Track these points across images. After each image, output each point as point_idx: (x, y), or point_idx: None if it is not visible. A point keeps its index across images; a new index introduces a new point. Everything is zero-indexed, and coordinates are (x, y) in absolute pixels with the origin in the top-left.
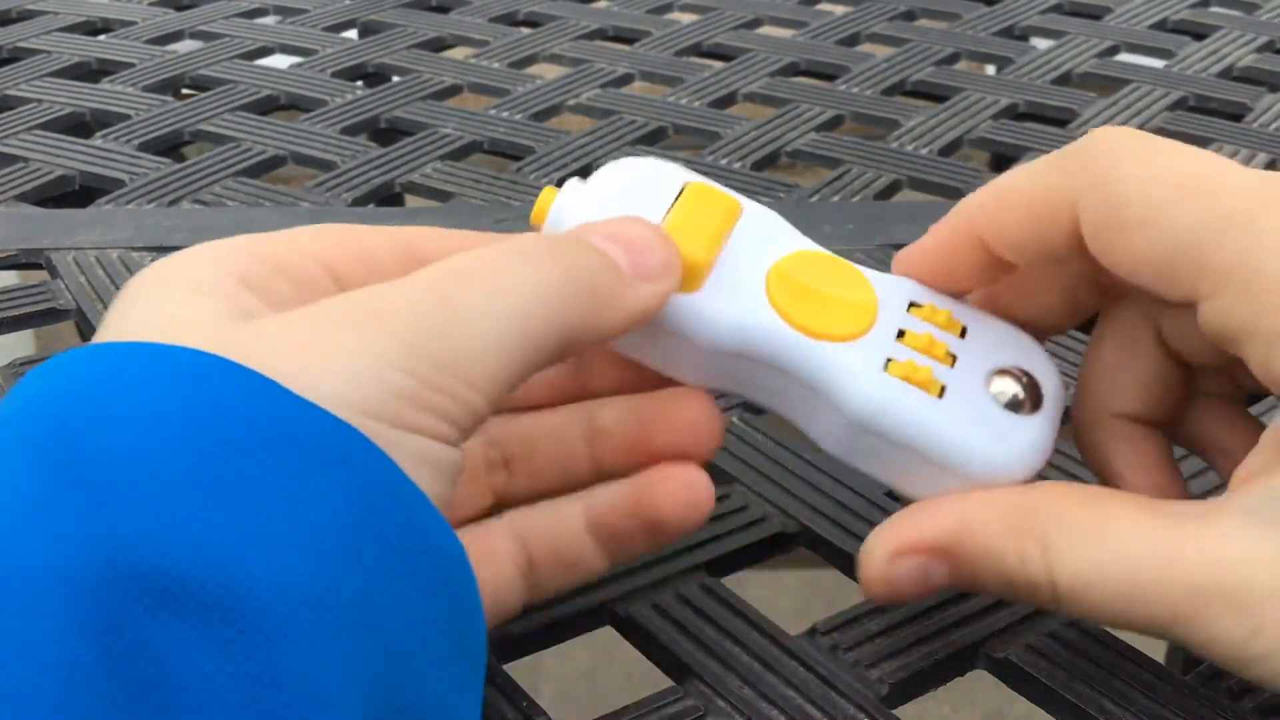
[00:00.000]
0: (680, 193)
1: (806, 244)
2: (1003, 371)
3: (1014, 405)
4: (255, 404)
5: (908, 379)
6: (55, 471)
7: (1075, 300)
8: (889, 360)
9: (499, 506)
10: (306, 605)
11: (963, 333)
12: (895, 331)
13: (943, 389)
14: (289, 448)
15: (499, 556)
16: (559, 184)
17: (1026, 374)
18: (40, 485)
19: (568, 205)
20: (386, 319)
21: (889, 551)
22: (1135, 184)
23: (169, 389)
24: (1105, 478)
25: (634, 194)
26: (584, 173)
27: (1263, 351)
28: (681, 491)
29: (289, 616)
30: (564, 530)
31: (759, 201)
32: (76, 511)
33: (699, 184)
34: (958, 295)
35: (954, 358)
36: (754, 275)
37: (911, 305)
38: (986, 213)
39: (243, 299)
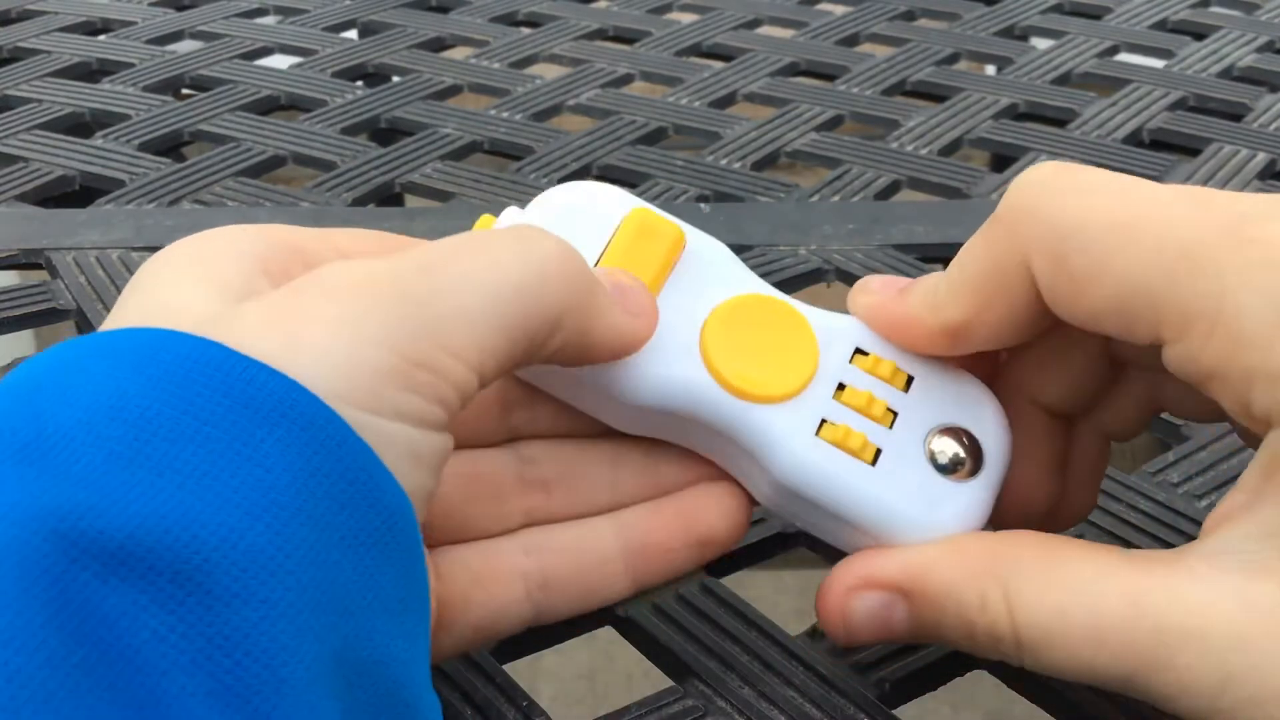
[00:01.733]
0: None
1: (750, 283)
2: (945, 430)
3: (952, 467)
4: (206, 371)
5: (840, 445)
6: (9, 451)
7: (1091, 373)
8: (823, 422)
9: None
10: (257, 565)
11: (908, 383)
12: (834, 385)
13: (877, 453)
14: (239, 411)
15: (509, 576)
16: (525, 205)
17: (968, 434)
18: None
19: None
20: (367, 290)
21: (847, 585)
22: (1077, 235)
23: (124, 366)
24: None
25: (575, 221)
26: (583, 174)
27: (1235, 392)
28: (729, 507)
29: (240, 577)
30: (591, 552)
31: (759, 201)
32: (23, 485)
33: (642, 210)
34: None
35: (894, 415)
36: (689, 325)
37: (856, 353)
38: (950, 313)
39: (255, 284)
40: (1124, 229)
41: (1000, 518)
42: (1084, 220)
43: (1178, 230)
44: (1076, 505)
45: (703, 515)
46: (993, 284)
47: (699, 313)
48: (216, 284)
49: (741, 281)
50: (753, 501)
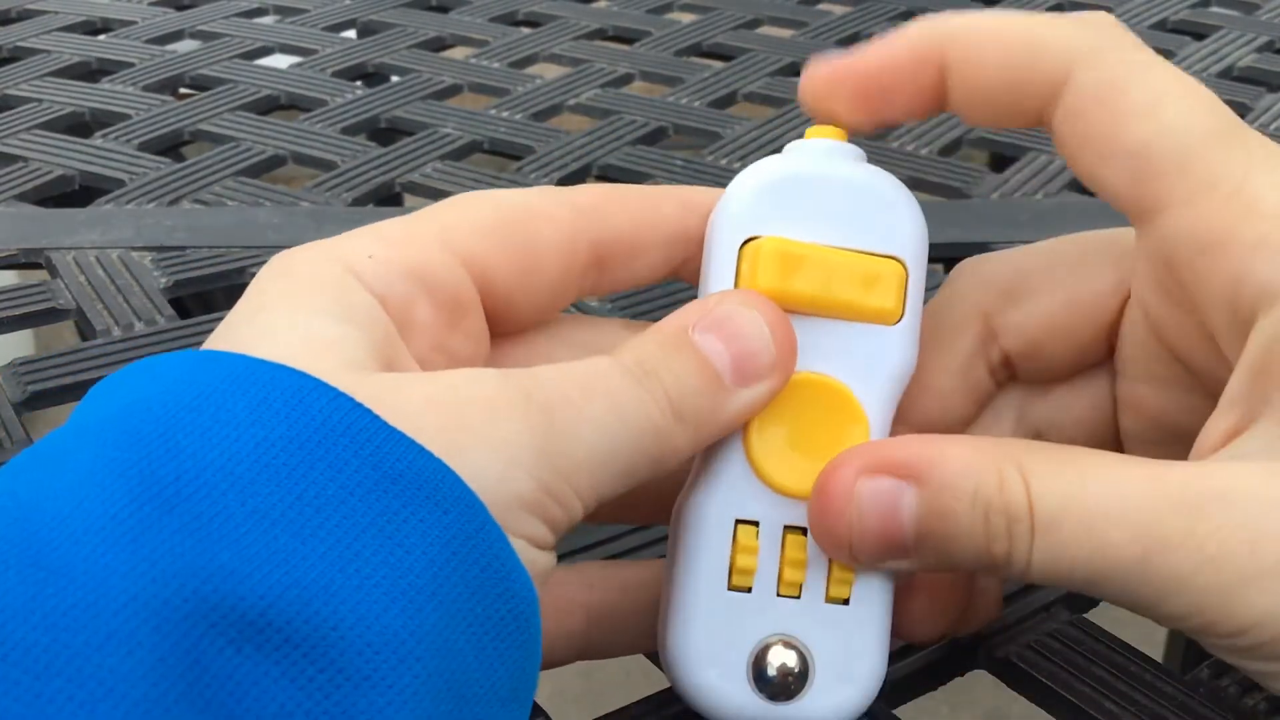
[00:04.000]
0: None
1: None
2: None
3: (780, 684)
4: (358, 437)
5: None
6: (145, 491)
7: (976, 382)
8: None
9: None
10: (390, 648)
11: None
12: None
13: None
14: (387, 485)
15: (572, 609)
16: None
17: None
18: (129, 505)
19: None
20: (520, 414)
21: (856, 467)
22: (1140, 70)
23: (271, 411)
24: None
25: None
26: (582, 174)
27: (1238, 259)
28: None
29: (373, 659)
30: (649, 591)
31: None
32: (166, 539)
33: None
34: (881, 122)
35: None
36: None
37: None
38: (964, 41)
39: (386, 336)
40: (1182, 86)
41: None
42: (1150, 61)
43: (1222, 110)
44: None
45: None
46: (1027, 54)
47: None
48: (356, 327)
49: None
50: None
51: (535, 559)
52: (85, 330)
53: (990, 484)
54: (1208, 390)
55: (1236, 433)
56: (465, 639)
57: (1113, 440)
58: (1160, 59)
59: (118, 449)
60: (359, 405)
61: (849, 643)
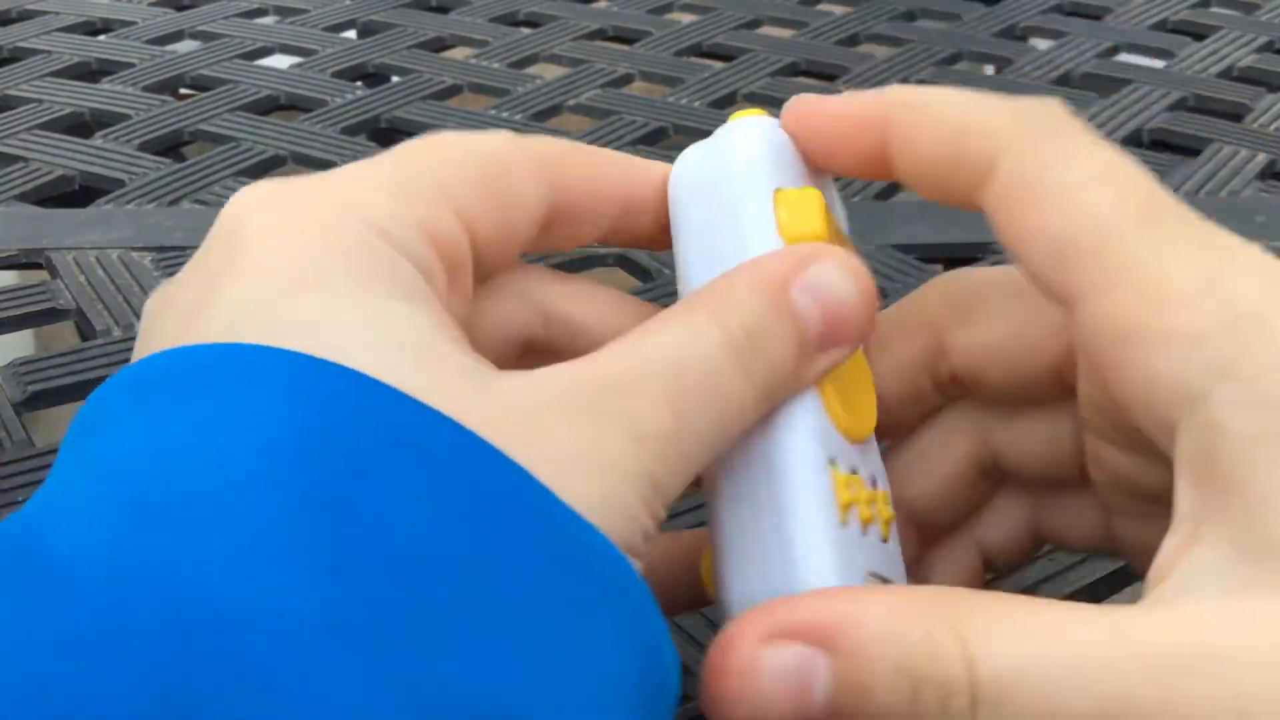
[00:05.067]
0: None
1: None
2: None
3: None
4: (539, 517)
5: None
6: (338, 573)
7: (915, 391)
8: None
9: None
10: None
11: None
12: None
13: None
14: (569, 575)
15: None
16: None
17: None
18: (330, 591)
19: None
20: (648, 443)
21: (760, 632)
22: (1064, 157)
23: (443, 472)
24: None
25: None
26: None
27: (1150, 354)
28: None
29: None
30: None
31: None
32: (380, 642)
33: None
34: (834, 172)
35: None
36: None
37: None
38: (904, 118)
39: (433, 307)
40: (1109, 172)
41: None
42: (1078, 148)
43: (1145, 193)
44: None
45: None
46: (959, 139)
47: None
48: (426, 312)
49: None
50: None
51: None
52: (85, 330)
53: (919, 651)
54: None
55: (1191, 545)
56: None
57: (1077, 477)
58: (1095, 143)
59: (283, 504)
60: (530, 478)
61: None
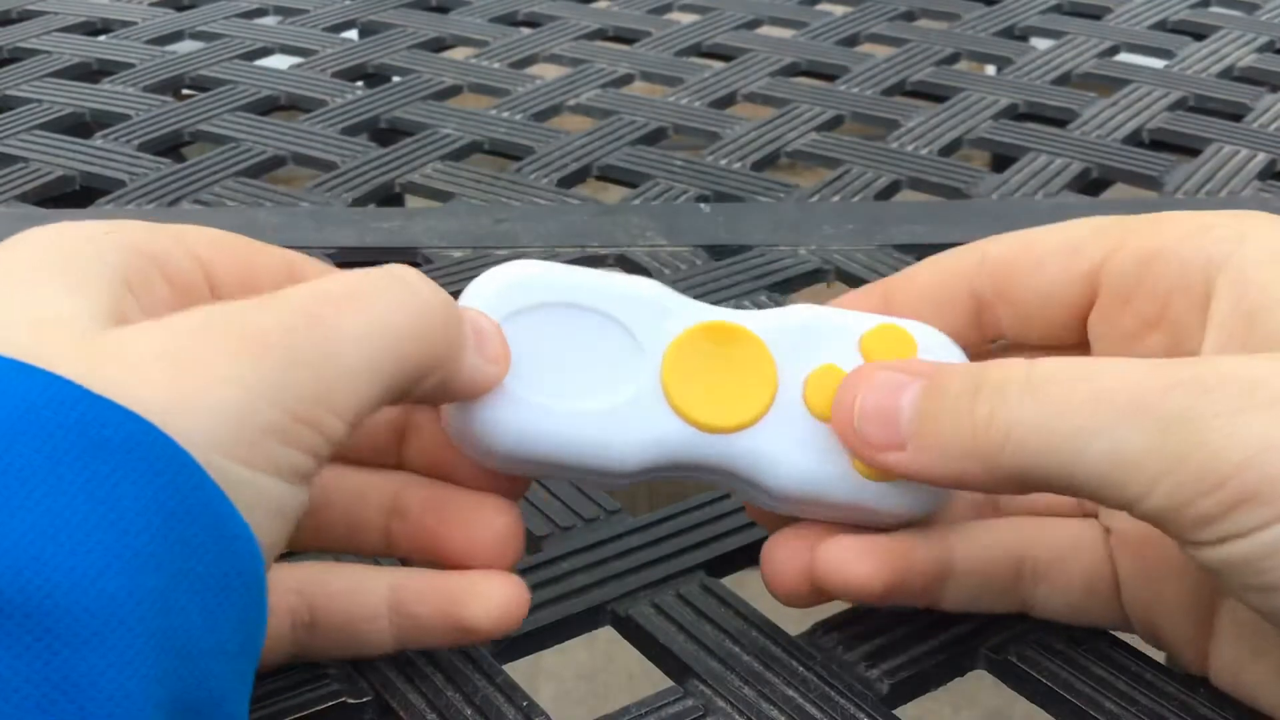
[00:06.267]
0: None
1: (692, 312)
2: None
3: None
4: (62, 408)
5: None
6: None
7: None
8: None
9: None
10: (108, 611)
11: None
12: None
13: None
14: (94, 452)
15: (277, 612)
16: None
17: None
18: None
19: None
20: (258, 343)
21: (876, 366)
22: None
23: None
24: None
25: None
26: (582, 174)
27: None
28: (497, 604)
29: (90, 624)
30: (361, 604)
31: (759, 201)
32: None
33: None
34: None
35: None
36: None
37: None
38: (1004, 268)
39: (119, 299)
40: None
41: None
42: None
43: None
44: None
45: (469, 604)
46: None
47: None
48: (86, 296)
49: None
50: (528, 591)
51: (284, 496)
52: None
53: (990, 368)
54: None
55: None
56: (188, 596)
57: None
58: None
59: None
60: (62, 379)
61: None
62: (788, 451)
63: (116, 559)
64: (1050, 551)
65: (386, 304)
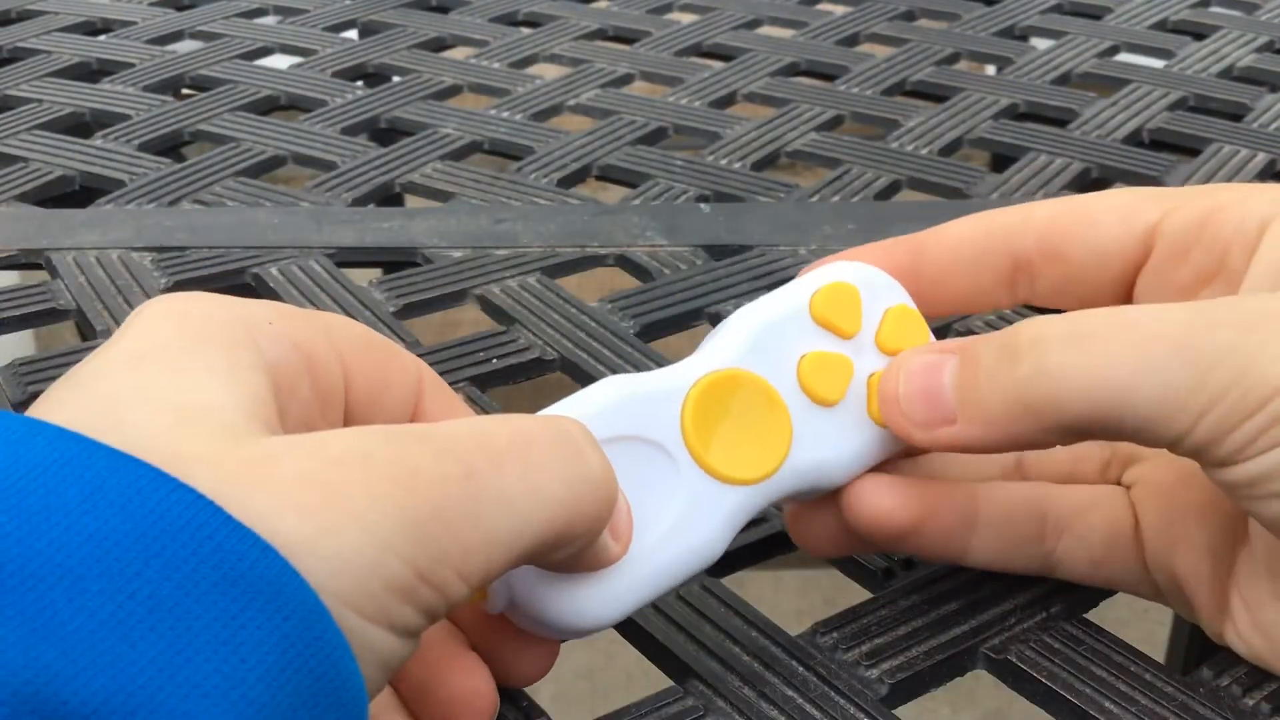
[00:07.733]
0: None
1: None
2: None
3: None
4: (199, 534)
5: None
6: None
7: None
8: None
9: None
10: None
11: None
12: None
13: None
14: (227, 589)
15: None
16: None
17: None
18: None
19: None
20: (406, 487)
21: (914, 350)
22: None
23: (107, 501)
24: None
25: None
26: (582, 174)
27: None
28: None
29: None
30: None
31: (759, 201)
32: None
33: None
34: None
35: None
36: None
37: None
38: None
39: (268, 397)
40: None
41: None
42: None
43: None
44: None
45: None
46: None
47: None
48: (238, 387)
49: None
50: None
51: (393, 649)
52: (85, 330)
53: (1020, 329)
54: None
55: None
56: None
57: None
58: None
59: None
60: (202, 501)
61: None
62: (828, 450)
63: (231, 708)
64: (1073, 505)
65: (550, 470)
